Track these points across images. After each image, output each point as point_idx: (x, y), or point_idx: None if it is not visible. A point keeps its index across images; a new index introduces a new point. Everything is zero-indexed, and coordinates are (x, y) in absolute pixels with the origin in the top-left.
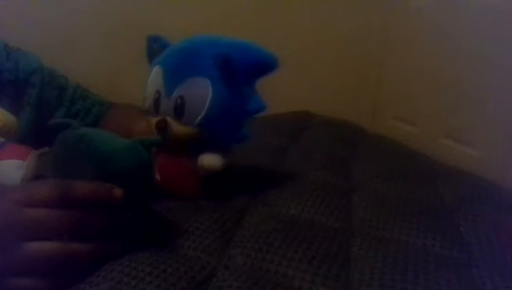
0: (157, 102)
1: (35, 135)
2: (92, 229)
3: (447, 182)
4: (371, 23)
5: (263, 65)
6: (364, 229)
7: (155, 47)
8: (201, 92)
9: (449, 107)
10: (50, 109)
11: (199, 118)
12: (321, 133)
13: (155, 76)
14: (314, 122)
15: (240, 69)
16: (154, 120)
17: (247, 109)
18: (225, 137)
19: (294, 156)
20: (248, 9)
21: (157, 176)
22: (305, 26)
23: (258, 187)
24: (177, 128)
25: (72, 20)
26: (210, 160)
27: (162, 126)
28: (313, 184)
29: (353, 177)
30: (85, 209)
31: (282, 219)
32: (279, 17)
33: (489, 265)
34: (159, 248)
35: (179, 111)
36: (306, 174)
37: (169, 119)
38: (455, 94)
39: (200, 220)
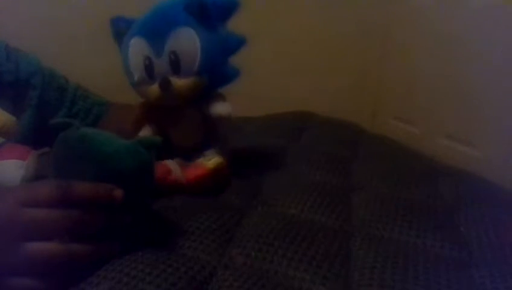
0: (149, 67)
1: (36, 135)
2: (92, 230)
3: (447, 182)
4: (371, 23)
5: (229, 3)
6: (364, 229)
7: (121, 27)
8: (189, 40)
9: (449, 107)
10: (51, 110)
11: (196, 65)
12: (321, 133)
13: (137, 46)
14: (314, 122)
15: (212, 10)
16: (155, 86)
17: (231, 44)
18: (221, 76)
19: (294, 156)
20: (248, 9)
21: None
22: (305, 26)
23: (258, 187)
24: (179, 82)
25: (72, 21)
26: (223, 107)
27: (166, 85)
28: (313, 184)
29: (353, 177)
30: (85, 210)
31: (282, 218)
32: (279, 17)
33: (489, 265)
34: (159, 248)
35: (176, 66)
36: (306, 174)
37: (169, 77)
38: (455, 94)
39: (200, 220)
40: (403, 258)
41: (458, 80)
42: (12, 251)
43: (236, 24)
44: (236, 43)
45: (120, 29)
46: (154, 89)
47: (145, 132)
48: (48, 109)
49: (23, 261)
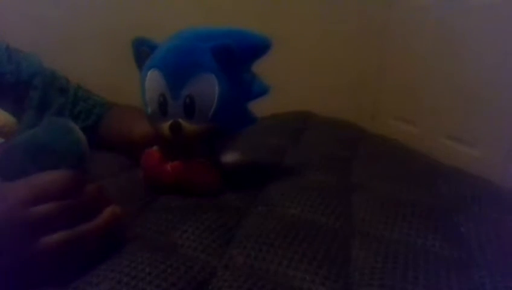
0: (162, 106)
1: None
2: (98, 212)
3: (447, 182)
4: (371, 23)
5: (258, 48)
6: (364, 229)
7: (143, 50)
8: (208, 87)
9: (449, 107)
10: (52, 111)
11: (210, 113)
12: (321, 133)
13: (154, 80)
14: (314, 122)
15: (239, 56)
16: (166, 125)
17: (252, 93)
18: (235, 125)
19: (294, 156)
20: (248, 9)
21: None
22: (305, 26)
23: (258, 187)
24: (190, 127)
25: (72, 21)
26: (229, 156)
27: (176, 129)
28: (313, 184)
29: (353, 177)
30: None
31: (282, 218)
32: (279, 17)
33: (489, 265)
34: (159, 247)
35: (190, 110)
36: (306, 174)
37: (181, 120)
38: (455, 94)
39: (200, 220)
40: (403, 258)
41: (458, 80)
42: (24, 250)
43: (236, 24)
44: (259, 92)
45: (141, 52)
46: (165, 128)
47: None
48: (48, 109)
49: (37, 258)
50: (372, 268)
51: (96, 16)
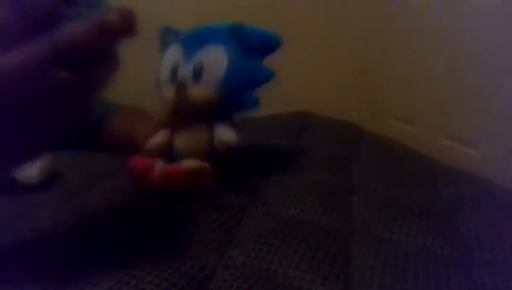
0: (174, 71)
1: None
2: None
3: (447, 182)
4: (371, 23)
5: (270, 42)
6: (364, 229)
7: (168, 38)
8: (218, 57)
9: (449, 107)
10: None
11: (216, 79)
12: (321, 133)
13: (173, 52)
14: (314, 122)
15: (252, 39)
16: (171, 88)
17: (259, 75)
18: (238, 101)
19: (294, 156)
20: (247, 9)
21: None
22: (305, 27)
23: (258, 187)
24: (195, 91)
25: None
26: (227, 134)
27: (181, 89)
28: (313, 184)
29: (353, 177)
30: None
31: (282, 219)
32: (279, 17)
33: (489, 265)
34: (159, 247)
35: (197, 74)
36: (306, 174)
37: (186, 79)
38: (455, 94)
39: (200, 220)
40: (403, 258)
41: (458, 80)
42: None
43: None
44: (265, 75)
45: (166, 39)
46: (170, 91)
47: (159, 137)
48: None
49: None
50: (372, 268)
51: None
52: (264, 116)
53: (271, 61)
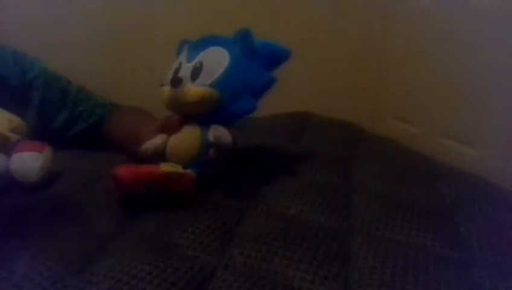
0: (177, 70)
1: (39, 135)
2: None
3: (447, 182)
4: (371, 23)
5: (278, 53)
6: (364, 229)
7: (182, 47)
8: (219, 59)
9: (449, 107)
10: (52, 111)
11: (213, 79)
12: (321, 133)
13: (180, 55)
14: (314, 122)
15: (257, 47)
16: (169, 85)
17: (258, 80)
18: (235, 104)
19: (294, 156)
20: (247, 9)
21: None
22: (305, 27)
23: (258, 187)
24: (192, 88)
25: (73, 22)
26: (222, 132)
27: (177, 81)
28: (313, 184)
29: (353, 177)
30: None
31: (282, 219)
32: (279, 17)
33: (489, 265)
34: (159, 247)
35: (196, 72)
36: (306, 174)
37: (184, 77)
38: (455, 94)
39: (200, 220)
40: (403, 258)
41: (458, 80)
42: None
43: (235, 24)
44: (265, 81)
45: (182, 48)
46: (167, 87)
47: (156, 140)
48: (49, 110)
49: None
50: (371, 268)
51: (97, 17)
52: (264, 116)
53: None
